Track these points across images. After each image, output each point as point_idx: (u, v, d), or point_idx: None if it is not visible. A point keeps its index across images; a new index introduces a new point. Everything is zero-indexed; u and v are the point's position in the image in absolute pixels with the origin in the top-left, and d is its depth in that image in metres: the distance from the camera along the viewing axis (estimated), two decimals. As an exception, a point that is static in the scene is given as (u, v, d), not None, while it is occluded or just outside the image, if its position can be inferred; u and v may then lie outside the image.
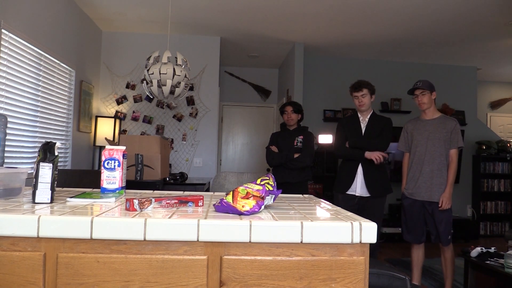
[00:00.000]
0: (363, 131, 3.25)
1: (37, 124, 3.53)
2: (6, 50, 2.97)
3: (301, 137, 3.62)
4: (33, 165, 3.26)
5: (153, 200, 1.24)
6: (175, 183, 3.69)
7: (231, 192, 1.22)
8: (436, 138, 3.11)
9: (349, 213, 1.25)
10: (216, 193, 1.83)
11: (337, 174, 3.42)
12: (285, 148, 3.63)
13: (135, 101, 5.22)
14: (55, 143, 1.31)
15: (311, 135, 3.70)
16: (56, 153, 1.30)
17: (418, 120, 3.27)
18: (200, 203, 1.34)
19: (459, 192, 6.22)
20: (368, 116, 3.27)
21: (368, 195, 3.17)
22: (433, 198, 3.09)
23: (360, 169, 3.19)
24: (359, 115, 3.31)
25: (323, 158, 5.79)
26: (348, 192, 3.21)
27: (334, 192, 3.37)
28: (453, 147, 3.11)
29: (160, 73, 3.45)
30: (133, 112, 5.20)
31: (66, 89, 4.18)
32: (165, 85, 3.48)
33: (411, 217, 3.20)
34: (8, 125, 2.08)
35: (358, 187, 3.19)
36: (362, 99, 3.20)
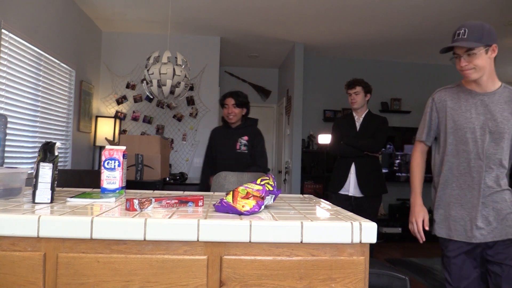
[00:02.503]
0: (357, 130, 3.24)
1: (37, 124, 3.53)
2: (6, 50, 2.97)
3: (246, 138, 2.91)
4: (33, 165, 3.26)
5: (153, 200, 1.24)
6: (175, 183, 3.69)
7: (231, 192, 1.22)
8: (503, 127, 1.75)
9: (349, 213, 1.25)
10: (216, 193, 1.83)
11: (332, 173, 3.40)
12: (225, 152, 2.90)
13: (135, 101, 5.22)
14: (55, 143, 1.31)
15: (260, 137, 2.98)
16: (56, 153, 1.30)
17: (461, 91, 1.85)
18: (200, 203, 1.34)
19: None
20: (363, 115, 3.26)
21: (361, 195, 3.14)
22: (506, 236, 1.74)
23: (353, 168, 3.17)
24: (354, 114, 3.30)
25: (323, 158, 5.79)
26: (341, 192, 3.19)
27: (328, 192, 3.36)
28: None
29: (160, 73, 3.45)
30: (133, 112, 5.20)
31: (66, 89, 4.18)
32: (165, 85, 3.48)
33: (462, 276, 1.78)
34: (8, 125, 2.09)
35: (351, 187, 3.16)
36: (355, 96, 3.20)
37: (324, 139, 5.73)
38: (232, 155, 2.87)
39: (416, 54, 5.86)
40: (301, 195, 1.80)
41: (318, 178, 5.81)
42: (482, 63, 1.74)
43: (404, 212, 5.71)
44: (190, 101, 5.28)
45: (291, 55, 5.71)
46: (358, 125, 3.26)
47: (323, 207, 1.42)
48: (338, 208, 1.40)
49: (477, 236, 1.74)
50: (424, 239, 1.85)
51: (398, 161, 5.97)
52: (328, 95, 6.10)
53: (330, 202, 3.23)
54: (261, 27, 4.89)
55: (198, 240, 1.04)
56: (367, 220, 1.11)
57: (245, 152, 2.87)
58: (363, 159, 3.16)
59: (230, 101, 2.96)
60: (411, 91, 6.15)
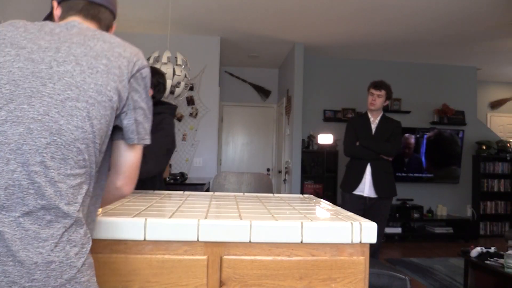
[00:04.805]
0: (373, 132, 3.25)
1: (37, 124, 3.53)
2: (6, 50, 2.97)
3: None
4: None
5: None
6: (175, 183, 3.69)
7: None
8: None
9: (349, 213, 1.25)
10: (216, 193, 1.83)
11: (345, 173, 3.40)
12: None
13: (135, 101, 5.21)
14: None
15: None
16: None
17: None
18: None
19: (459, 192, 6.22)
20: (379, 118, 3.27)
21: (375, 196, 3.15)
22: None
23: (368, 169, 3.18)
24: (370, 115, 3.30)
25: (323, 158, 5.79)
26: (356, 192, 3.20)
27: (342, 191, 3.36)
28: None
29: (160, 73, 3.45)
30: (133, 112, 5.20)
31: (66, 89, 4.17)
32: (165, 85, 3.48)
33: None
34: (8, 125, 2.08)
35: (366, 188, 3.18)
36: (377, 98, 3.19)
37: (324, 139, 5.73)
38: None
39: (416, 54, 5.86)
40: (301, 195, 1.80)
41: (318, 178, 5.81)
42: None
43: (405, 212, 5.71)
44: (190, 101, 5.28)
45: (291, 55, 5.71)
46: (373, 127, 3.25)
47: (323, 207, 1.42)
48: (338, 208, 1.40)
49: None
50: None
51: (398, 161, 5.97)
52: (328, 95, 6.10)
53: (343, 201, 3.23)
54: (261, 27, 4.89)
55: (198, 240, 1.04)
56: (367, 220, 1.11)
57: None
58: (377, 161, 3.18)
59: None
60: (411, 91, 6.14)
